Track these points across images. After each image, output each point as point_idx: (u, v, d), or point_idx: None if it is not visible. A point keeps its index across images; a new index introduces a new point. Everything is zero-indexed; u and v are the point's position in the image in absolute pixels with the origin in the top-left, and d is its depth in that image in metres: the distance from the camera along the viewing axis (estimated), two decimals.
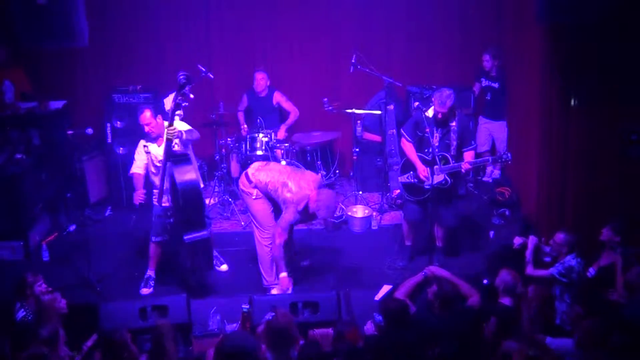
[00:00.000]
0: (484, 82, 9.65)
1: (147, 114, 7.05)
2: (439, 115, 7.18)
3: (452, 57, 10.01)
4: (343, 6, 9.94)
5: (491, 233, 8.43)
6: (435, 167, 7.21)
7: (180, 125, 7.07)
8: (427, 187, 7.28)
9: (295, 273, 7.38)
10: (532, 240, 6.94)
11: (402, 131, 7.54)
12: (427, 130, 7.18)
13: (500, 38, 9.69)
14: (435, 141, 7.23)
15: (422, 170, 7.28)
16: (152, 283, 7.56)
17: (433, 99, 7.26)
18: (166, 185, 7.11)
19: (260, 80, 9.56)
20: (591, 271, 6.63)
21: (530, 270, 6.79)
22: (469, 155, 7.34)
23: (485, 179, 9.96)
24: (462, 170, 7.27)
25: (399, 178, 7.67)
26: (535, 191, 8.46)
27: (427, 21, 9.92)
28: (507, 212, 8.82)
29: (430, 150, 7.22)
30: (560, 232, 6.68)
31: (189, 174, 6.83)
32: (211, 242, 7.28)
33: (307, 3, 9.99)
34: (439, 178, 7.26)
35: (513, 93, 9.42)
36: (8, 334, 5.74)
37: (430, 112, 7.31)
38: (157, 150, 7.15)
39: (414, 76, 9.82)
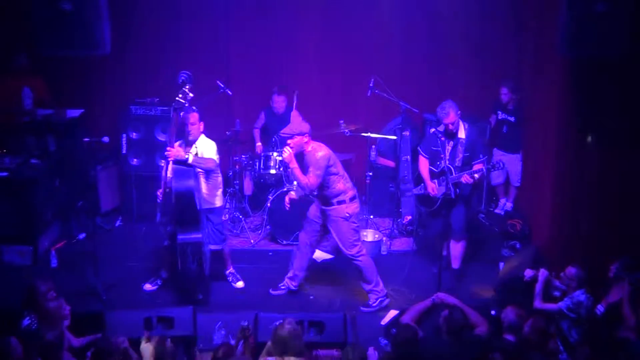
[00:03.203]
0: (501, 115, 9.63)
1: (196, 116, 7.29)
2: (450, 127, 7.48)
3: (469, 86, 9.95)
4: (362, 30, 9.97)
5: (501, 264, 8.38)
6: (442, 178, 7.52)
7: (206, 144, 7.39)
8: (435, 196, 7.68)
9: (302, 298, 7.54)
10: (542, 273, 6.88)
11: (419, 149, 7.91)
12: (440, 143, 7.57)
13: (519, 70, 9.68)
14: (447, 154, 7.54)
15: (429, 187, 7.70)
16: (159, 282, 7.67)
17: (439, 117, 7.54)
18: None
19: (281, 103, 9.61)
20: (600, 308, 6.52)
21: (538, 303, 6.73)
22: (478, 168, 7.52)
23: (497, 211, 9.96)
24: (462, 181, 7.40)
25: (413, 190, 8.19)
26: (547, 225, 8.41)
27: (446, 49, 9.92)
28: (517, 245, 8.79)
29: (440, 163, 7.54)
30: (571, 267, 6.64)
31: (184, 175, 7.00)
32: (203, 247, 7.18)
33: (327, 26, 10.06)
34: (442, 189, 7.52)
35: (529, 126, 9.39)
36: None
37: (441, 127, 7.63)
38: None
39: (430, 104, 9.71)
